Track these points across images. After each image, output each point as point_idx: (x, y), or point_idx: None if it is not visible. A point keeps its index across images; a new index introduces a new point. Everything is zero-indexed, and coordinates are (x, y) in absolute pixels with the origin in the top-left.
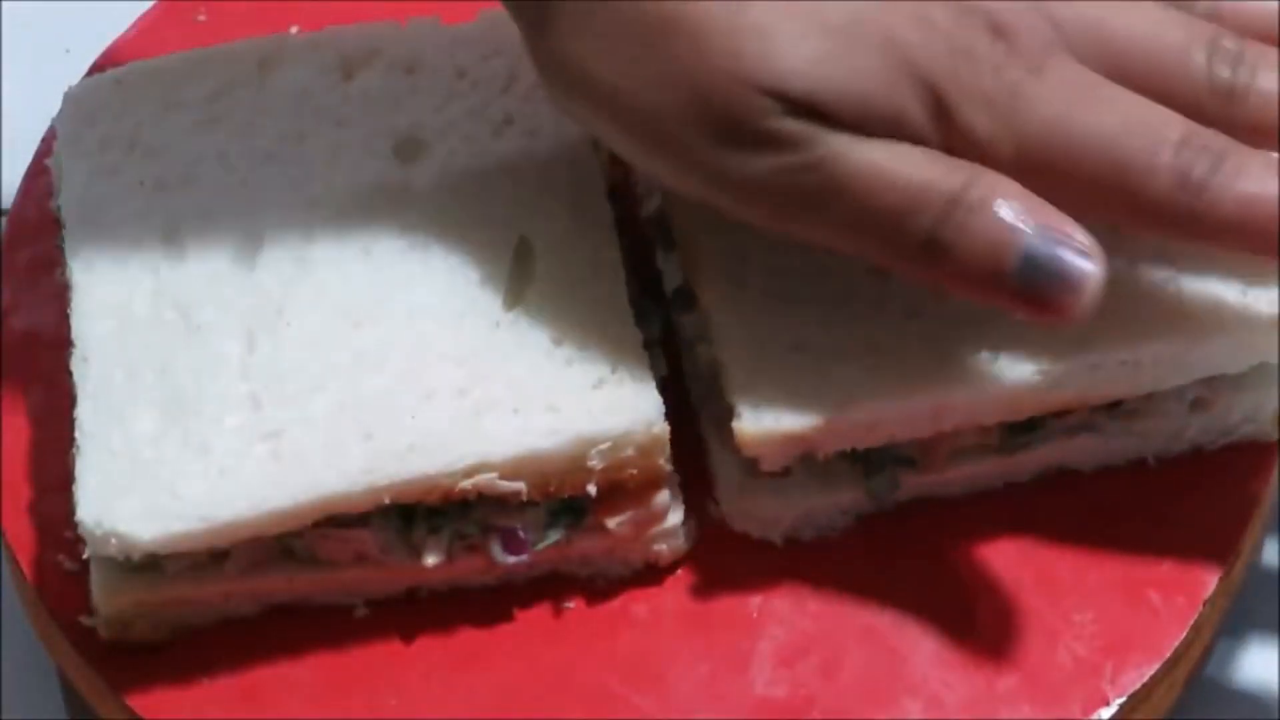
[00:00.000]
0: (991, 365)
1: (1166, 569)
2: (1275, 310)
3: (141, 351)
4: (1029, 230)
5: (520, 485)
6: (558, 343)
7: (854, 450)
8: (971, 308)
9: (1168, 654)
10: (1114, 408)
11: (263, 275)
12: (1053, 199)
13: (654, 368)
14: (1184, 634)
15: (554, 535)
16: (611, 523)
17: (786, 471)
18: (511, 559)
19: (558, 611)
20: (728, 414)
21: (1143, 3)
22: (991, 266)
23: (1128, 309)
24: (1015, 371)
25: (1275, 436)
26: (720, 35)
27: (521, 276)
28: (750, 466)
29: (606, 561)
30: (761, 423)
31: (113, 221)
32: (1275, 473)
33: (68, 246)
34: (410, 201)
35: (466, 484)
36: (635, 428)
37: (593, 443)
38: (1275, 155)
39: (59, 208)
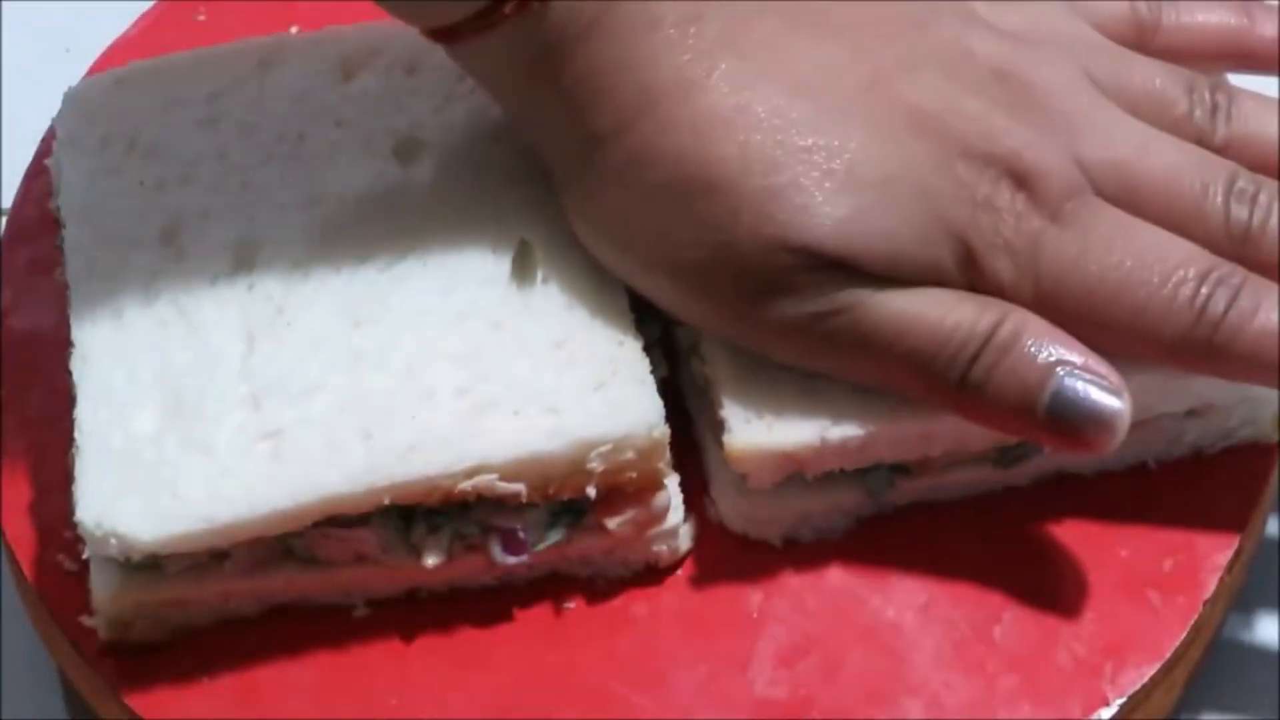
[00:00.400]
0: None
1: (1166, 569)
2: None
3: (141, 351)
4: (1060, 372)
5: (520, 487)
6: (559, 344)
7: None
8: None
9: (1168, 654)
10: None
11: (262, 275)
12: (1076, 336)
13: (654, 370)
14: (1184, 634)
15: (554, 536)
16: (611, 523)
17: None
18: (511, 559)
19: (558, 611)
20: (720, 430)
21: (1164, 138)
22: (1022, 404)
23: None
24: None
25: (1275, 439)
26: (753, 196)
27: (522, 277)
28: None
29: (606, 562)
30: (751, 441)
31: (112, 221)
32: (1275, 474)
33: (67, 246)
34: (410, 202)
35: (466, 485)
36: (636, 430)
37: (593, 445)
38: None
39: (59, 208)
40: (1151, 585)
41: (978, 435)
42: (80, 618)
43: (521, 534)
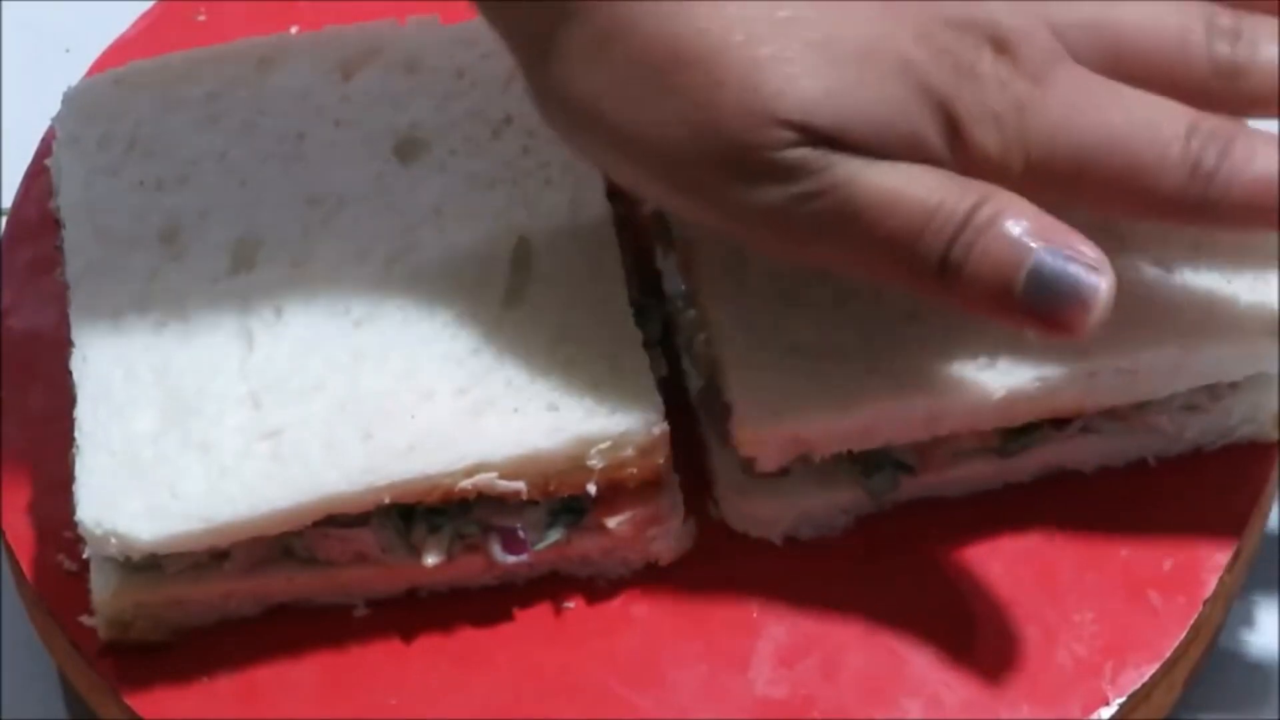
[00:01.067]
0: (989, 371)
1: (1166, 569)
2: (1273, 318)
3: (141, 351)
4: (1037, 247)
5: (520, 485)
6: (558, 343)
7: (852, 451)
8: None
9: (1168, 654)
10: (1112, 410)
11: (263, 274)
12: (1070, 203)
13: (654, 368)
14: (1184, 634)
15: (554, 535)
16: (611, 523)
17: (785, 471)
18: (511, 559)
19: (558, 611)
20: (726, 413)
21: None
22: (1001, 284)
23: (1125, 317)
24: (1012, 378)
25: (1275, 437)
26: (737, 68)
27: (521, 276)
28: (749, 466)
29: (606, 562)
30: (759, 423)
31: (112, 221)
32: (1275, 473)
33: (67, 246)
34: (409, 202)
35: (466, 483)
36: (635, 427)
37: (593, 442)
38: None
39: (58, 207)
40: (1151, 585)
41: (984, 415)
42: (80, 618)
43: (521, 533)
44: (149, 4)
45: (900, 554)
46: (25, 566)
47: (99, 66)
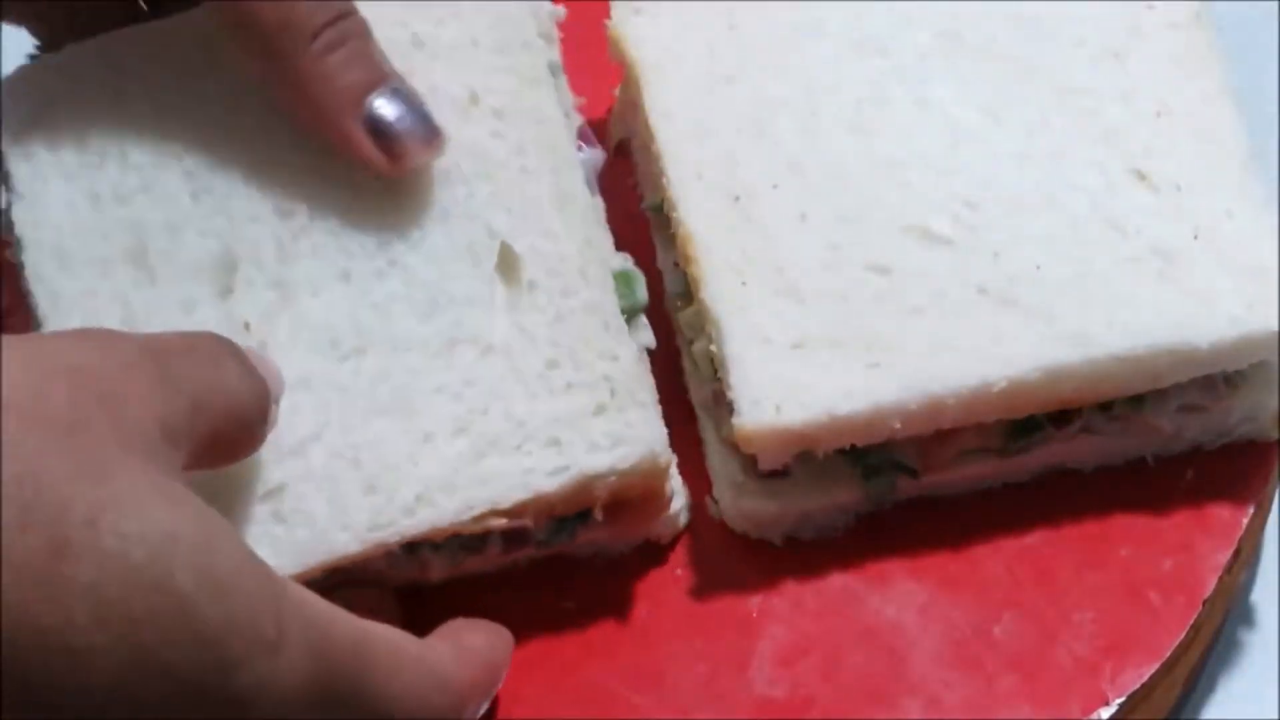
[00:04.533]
0: (990, 362)
1: (1166, 569)
2: (1274, 308)
3: None
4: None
5: (527, 521)
6: (552, 366)
7: (854, 451)
8: (970, 304)
9: (1167, 654)
10: (1111, 408)
11: (240, 302)
12: None
13: (643, 338)
14: (1184, 634)
15: (561, 538)
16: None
17: (785, 472)
18: (514, 554)
19: (558, 611)
20: (727, 414)
21: None
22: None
23: (1126, 306)
24: (1013, 368)
25: (1275, 436)
26: None
27: (512, 290)
28: (749, 467)
29: (609, 542)
30: (761, 419)
31: (73, 242)
32: (1275, 472)
33: (30, 273)
34: (386, 205)
35: (475, 527)
36: (641, 461)
37: (598, 478)
38: None
39: (10, 222)
40: (1151, 585)
41: (986, 407)
42: None
43: (526, 534)
44: None
45: (900, 554)
46: None
47: None
